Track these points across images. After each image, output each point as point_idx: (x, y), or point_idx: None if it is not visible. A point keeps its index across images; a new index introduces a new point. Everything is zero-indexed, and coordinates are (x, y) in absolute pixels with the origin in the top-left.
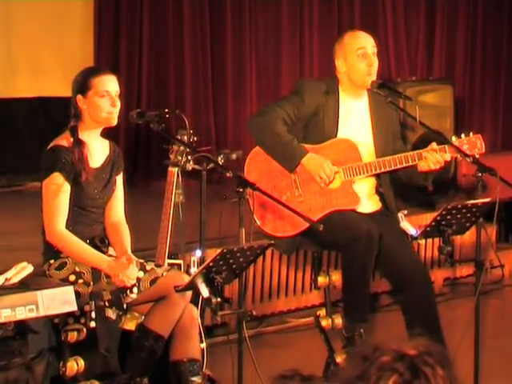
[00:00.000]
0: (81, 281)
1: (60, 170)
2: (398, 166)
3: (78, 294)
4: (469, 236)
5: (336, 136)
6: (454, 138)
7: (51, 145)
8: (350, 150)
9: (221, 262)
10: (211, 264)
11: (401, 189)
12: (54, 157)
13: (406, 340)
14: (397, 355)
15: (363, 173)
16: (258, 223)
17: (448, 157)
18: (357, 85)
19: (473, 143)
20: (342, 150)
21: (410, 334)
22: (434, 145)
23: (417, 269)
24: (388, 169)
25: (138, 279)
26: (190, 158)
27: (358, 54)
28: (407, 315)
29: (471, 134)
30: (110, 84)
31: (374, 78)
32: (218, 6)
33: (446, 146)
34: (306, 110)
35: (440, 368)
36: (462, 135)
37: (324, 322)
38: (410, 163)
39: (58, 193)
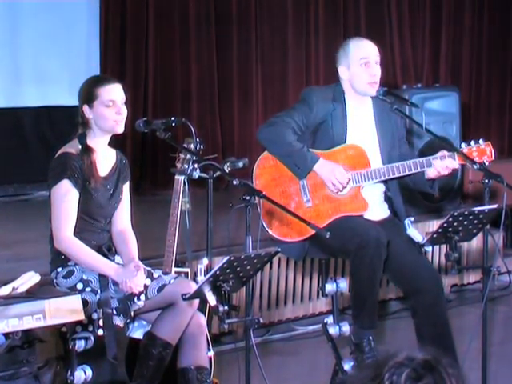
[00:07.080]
0: (88, 289)
1: (69, 176)
2: (407, 172)
3: (85, 302)
4: (476, 242)
5: (345, 142)
6: (463, 145)
7: (60, 152)
8: (358, 156)
9: (228, 270)
10: (218, 272)
11: (407, 195)
12: (62, 163)
13: (416, 348)
14: (408, 357)
15: (372, 179)
16: (266, 228)
17: (456, 164)
18: (359, 93)
19: (482, 151)
20: (350, 155)
21: (420, 340)
22: (443, 152)
23: (429, 274)
24: (397, 175)
25: (146, 287)
26: (196, 166)
27: (361, 63)
28: (417, 320)
29: (481, 141)
30: (115, 93)
31: (377, 86)
32: (225, 14)
33: (455, 154)
34: (315, 119)
35: (450, 368)
36: (472, 142)
37: (331, 330)
38: (419, 170)
39: (67, 199)
